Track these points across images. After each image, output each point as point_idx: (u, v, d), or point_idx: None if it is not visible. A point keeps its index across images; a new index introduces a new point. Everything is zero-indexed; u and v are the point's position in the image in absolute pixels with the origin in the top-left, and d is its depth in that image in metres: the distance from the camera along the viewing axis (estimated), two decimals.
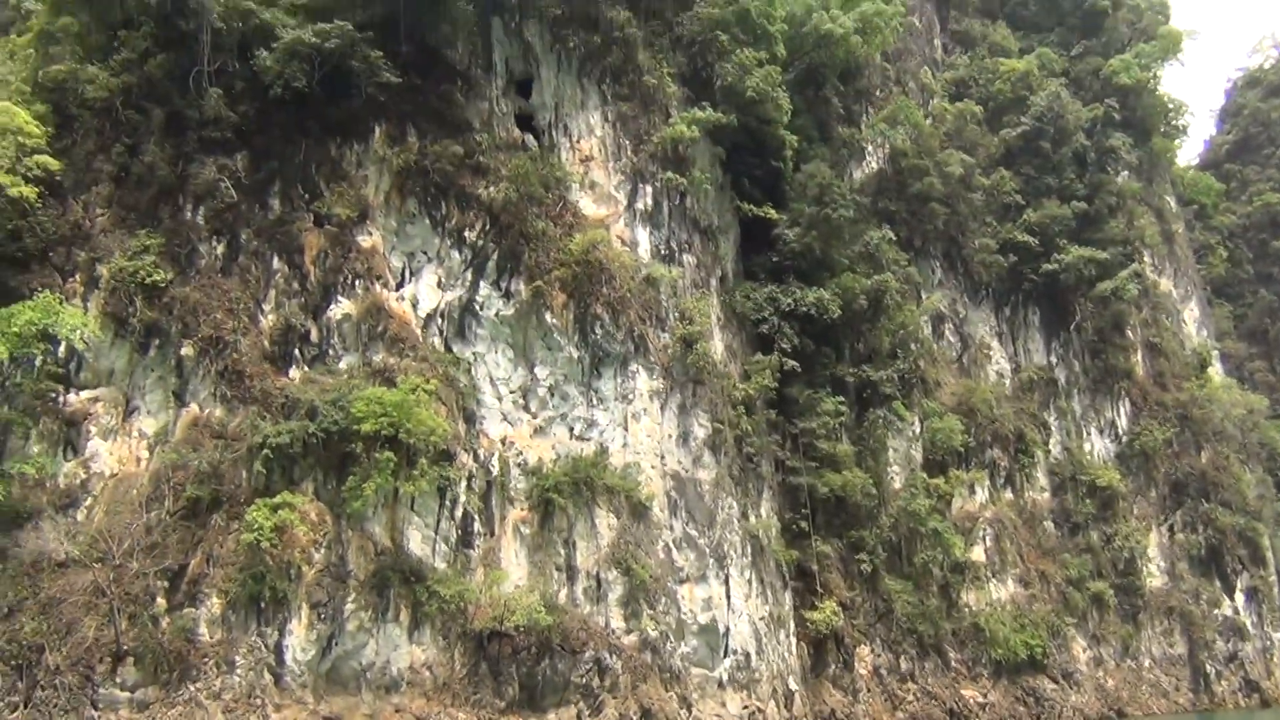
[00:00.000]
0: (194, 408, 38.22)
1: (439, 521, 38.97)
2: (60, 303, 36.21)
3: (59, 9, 41.29)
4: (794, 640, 47.98)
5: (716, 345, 48.96)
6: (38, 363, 37.20)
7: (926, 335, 64.03)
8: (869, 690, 50.20)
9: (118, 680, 33.64)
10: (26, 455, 36.11)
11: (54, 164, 37.88)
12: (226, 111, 40.23)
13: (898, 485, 57.15)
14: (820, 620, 48.64)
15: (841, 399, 53.89)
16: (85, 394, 37.96)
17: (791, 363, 51.35)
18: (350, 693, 35.99)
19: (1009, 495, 63.61)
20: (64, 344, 37.36)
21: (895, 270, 60.38)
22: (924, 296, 64.43)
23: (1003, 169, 72.65)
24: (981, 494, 61.71)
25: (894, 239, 61.19)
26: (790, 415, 52.20)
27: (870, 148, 68.57)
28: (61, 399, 37.60)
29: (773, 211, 54.41)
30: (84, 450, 37.15)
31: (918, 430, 59.90)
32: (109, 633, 33.86)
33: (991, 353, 68.66)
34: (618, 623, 40.35)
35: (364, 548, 37.08)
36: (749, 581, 45.52)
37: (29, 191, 36.54)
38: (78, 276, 38.53)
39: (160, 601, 34.83)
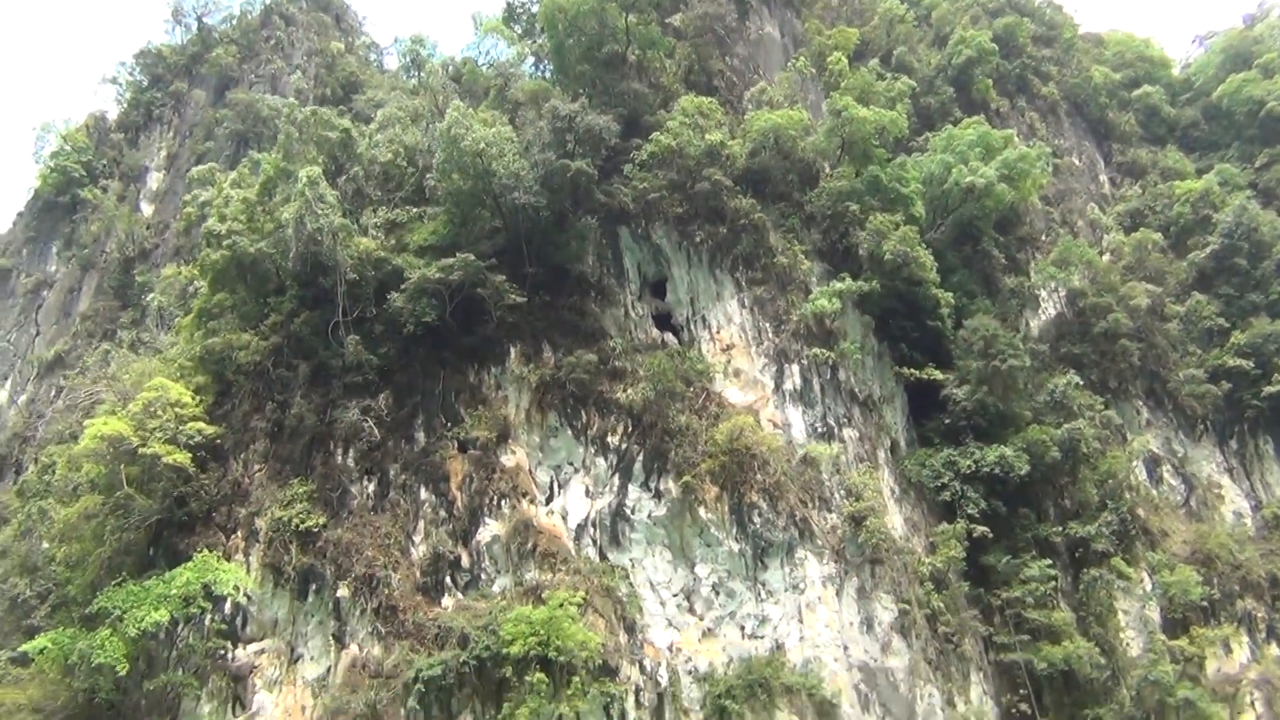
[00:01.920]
0: (353, 648, 38.13)
1: None
2: (220, 560, 37.36)
3: (217, 287, 44.63)
4: None
5: (894, 520, 45.77)
6: (207, 622, 38.16)
7: (1141, 481, 58.28)
8: None
9: None
10: (198, 717, 36.54)
11: (209, 429, 40.03)
12: (366, 355, 41.88)
13: (1134, 652, 50.70)
14: None
15: (1049, 562, 48.97)
16: (252, 647, 38.59)
17: (981, 529, 47.31)
18: None
19: (1275, 650, 55.42)
20: (229, 601, 38.29)
21: (1089, 416, 55.80)
22: (1130, 439, 59.04)
23: (1197, 293, 67.35)
24: (1241, 652, 54.00)
25: (1081, 383, 56.85)
26: (990, 586, 47.68)
27: (1044, 293, 65.14)
28: (230, 655, 38.33)
29: (937, 372, 51.67)
30: (251, 704, 37.42)
31: (1149, 587, 53.59)
32: None
33: (1223, 491, 61.63)
34: None
35: None
36: None
37: (183, 458, 38.53)
38: (239, 532, 39.94)
39: None
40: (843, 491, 43.98)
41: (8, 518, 51.70)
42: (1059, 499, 53.37)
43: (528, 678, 34.74)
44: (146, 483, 39.44)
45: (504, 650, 35.08)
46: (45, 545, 45.94)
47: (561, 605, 36.12)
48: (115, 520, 39.16)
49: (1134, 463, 57.91)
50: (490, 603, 37.97)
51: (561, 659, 35.09)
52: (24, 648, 39.11)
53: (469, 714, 35.91)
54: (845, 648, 40.62)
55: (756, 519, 41.47)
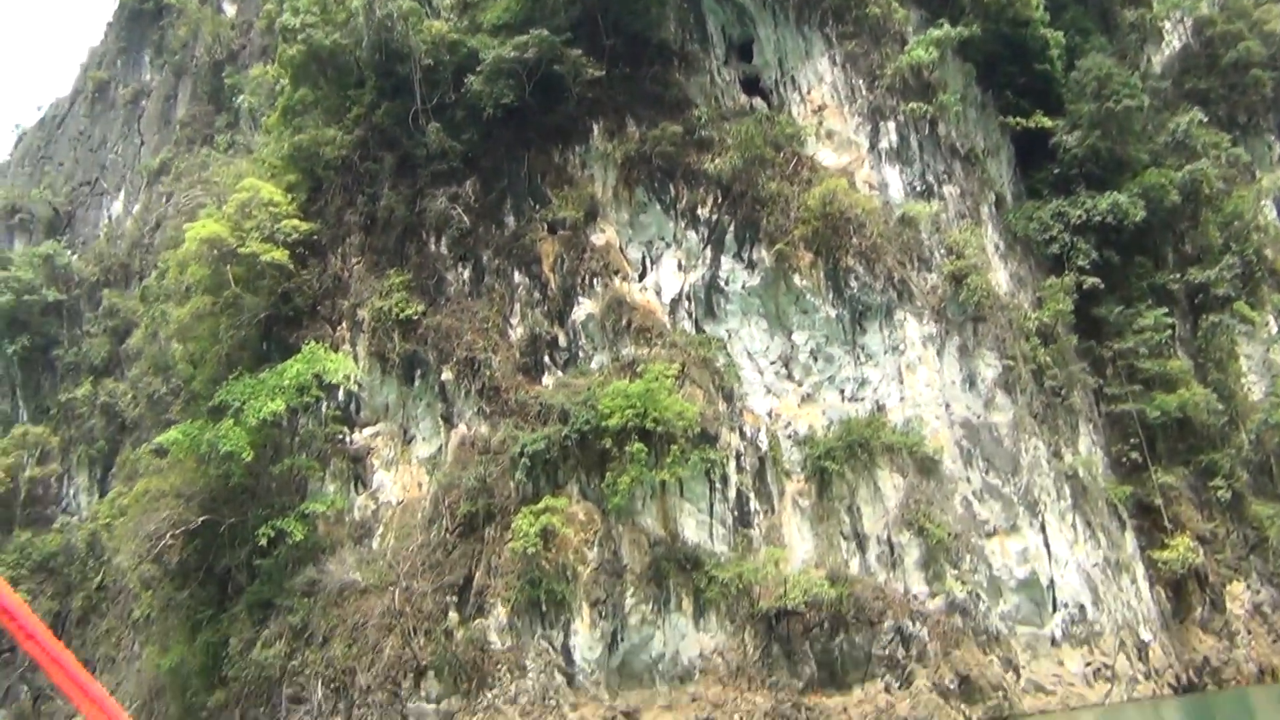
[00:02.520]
0: (461, 428, 39.61)
1: (712, 505, 37.84)
2: (327, 350, 38.78)
3: (298, 83, 44.52)
4: (1144, 585, 42.49)
5: (998, 277, 44.57)
6: (323, 409, 40.02)
7: (1271, 220, 55.29)
8: (1248, 632, 43.48)
9: (422, 693, 35.24)
10: (323, 495, 38.89)
11: (303, 225, 40.78)
12: (449, 142, 41.56)
13: (1255, 397, 49.44)
14: (1173, 559, 42.70)
15: (1165, 310, 47.45)
16: (367, 431, 40.46)
17: (1092, 280, 45.87)
18: (644, 686, 35.59)
19: None
20: (341, 389, 39.97)
21: (1214, 155, 52.60)
22: (1259, 177, 55.65)
23: None
24: None
25: (1206, 120, 53.35)
26: (1101, 338, 46.60)
27: (1168, 25, 60.53)
28: (347, 438, 40.28)
29: (1046, 120, 49.06)
30: (371, 483, 39.55)
31: (1274, 330, 51.64)
32: (409, 650, 35.56)
33: None
34: (918, 587, 37.35)
35: (637, 541, 36.64)
36: (1072, 526, 40.84)
37: (280, 255, 39.51)
38: (343, 324, 41.23)
39: (452, 615, 36.17)
40: (943, 250, 42.83)
41: (137, 322, 54.41)
42: (1178, 245, 51.27)
43: (627, 448, 35.63)
44: (251, 281, 40.76)
45: (603, 424, 35.91)
46: (174, 345, 48.33)
47: (657, 378, 36.57)
48: (226, 318, 40.84)
49: (1263, 202, 54.85)
50: (588, 379, 38.68)
51: (659, 429, 35.80)
52: (158, 440, 42.00)
53: (574, 483, 37.20)
54: (947, 405, 40.48)
55: (853, 283, 40.84)
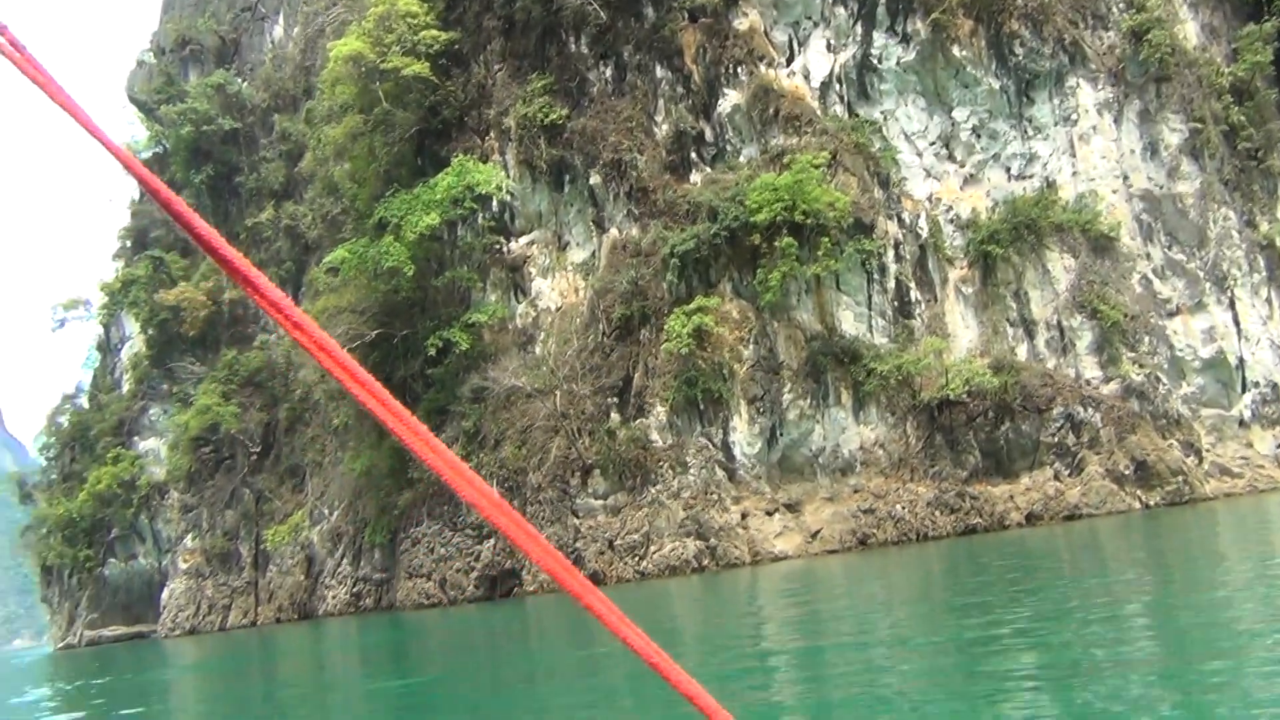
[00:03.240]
0: (613, 231, 39.57)
1: (870, 297, 36.94)
2: (476, 162, 39.00)
3: None
4: None
5: (1186, 30, 40.35)
6: (479, 221, 40.63)
7: None
8: None
9: (589, 490, 36.66)
10: (485, 305, 39.94)
11: (442, 35, 40.38)
12: None
13: None
14: None
15: None
16: (523, 240, 40.95)
17: None
18: (805, 478, 35.94)
19: None
20: (494, 200, 40.35)
21: None
22: None
23: None
24: None
25: None
26: None
27: None
28: (504, 248, 40.88)
29: None
30: (530, 291, 40.27)
31: None
32: (574, 450, 36.85)
33: None
34: (1091, 372, 35.85)
35: (792, 337, 36.28)
36: (1266, 301, 38.00)
37: (422, 68, 39.43)
38: (491, 133, 41.26)
39: (613, 416, 37.10)
40: (1121, 4, 38.91)
41: (306, 145, 55.99)
42: None
43: (777, 243, 34.89)
44: (399, 96, 40.99)
45: (751, 219, 35.13)
46: (333, 167, 49.58)
47: (805, 169, 35.26)
48: (379, 136, 41.45)
49: None
50: (737, 174, 37.68)
51: (809, 222, 34.79)
52: (327, 260, 43.79)
53: (727, 281, 36.86)
54: (1125, 177, 37.70)
55: (1018, 49, 37.84)
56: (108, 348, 75.42)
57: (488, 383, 38.30)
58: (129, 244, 74.81)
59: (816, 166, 35.48)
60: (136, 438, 67.74)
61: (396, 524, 42.03)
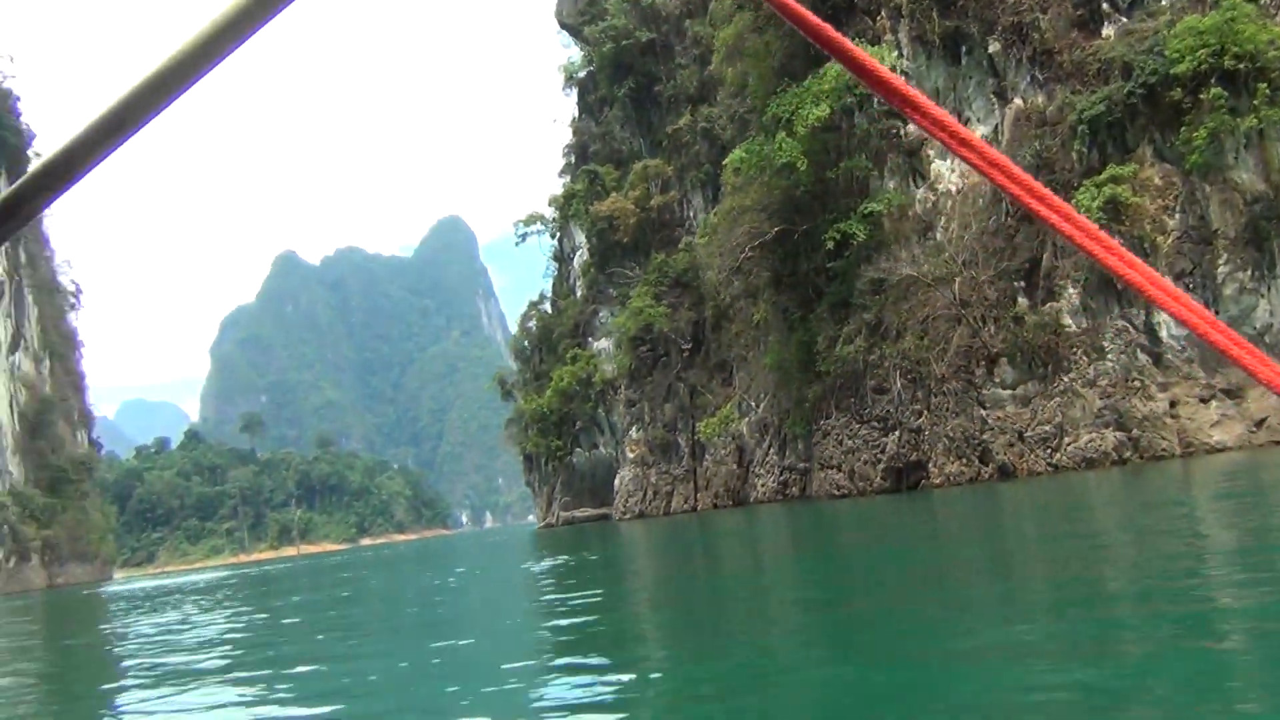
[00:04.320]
0: (1016, 102, 36.78)
1: None
2: (864, 45, 37.70)
3: None
4: None
5: None
6: (875, 107, 39.51)
7: None
8: None
9: (996, 380, 35.05)
10: (882, 194, 38.99)
11: None
12: None
13: None
14: None
15: None
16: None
17: None
18: None
19: None
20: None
21: None
22: None
23: None
24: None
25: None
26: None
27: None
28: (901, 132, 39.45)
29: None
30: (929, 175, 38.66)
31: None
32: (979, 339, 35.32)
33: None
34: None
35: (1228, 200, 31.96)
36: None
37: None
38: (881, 13, 39.67)
39: (1020, 301, 35.03)
40: None
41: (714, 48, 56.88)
42: None
43: (1203, 96, 30.70)
44: None
45: (1171, 72, 31.17)
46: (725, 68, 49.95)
47: (1236, 5, 30.53)
48: (772, 30, 41.18)
49: None
50: (1158, 20, 33.43)
51: (1243, 67, 30.21)
52: (726, 162, 44.62)
53: (1146, 145, 33.11)
54: None
55: None
56: (562, 257, 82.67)
57: (887, 273, 37.56)
58: (572, 160, 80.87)
59: (1251, 0, 30.61)
60: (590, 338, 74.02)
61: (810, 416, 42.77)
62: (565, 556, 26.00)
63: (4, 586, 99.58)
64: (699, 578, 15.91)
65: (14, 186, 0.94)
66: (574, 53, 79.82)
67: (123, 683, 10.01)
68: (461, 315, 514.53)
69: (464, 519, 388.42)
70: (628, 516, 63.42)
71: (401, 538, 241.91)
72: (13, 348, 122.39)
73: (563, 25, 78.94)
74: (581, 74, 79.26)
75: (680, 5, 66.54)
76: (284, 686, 7.96)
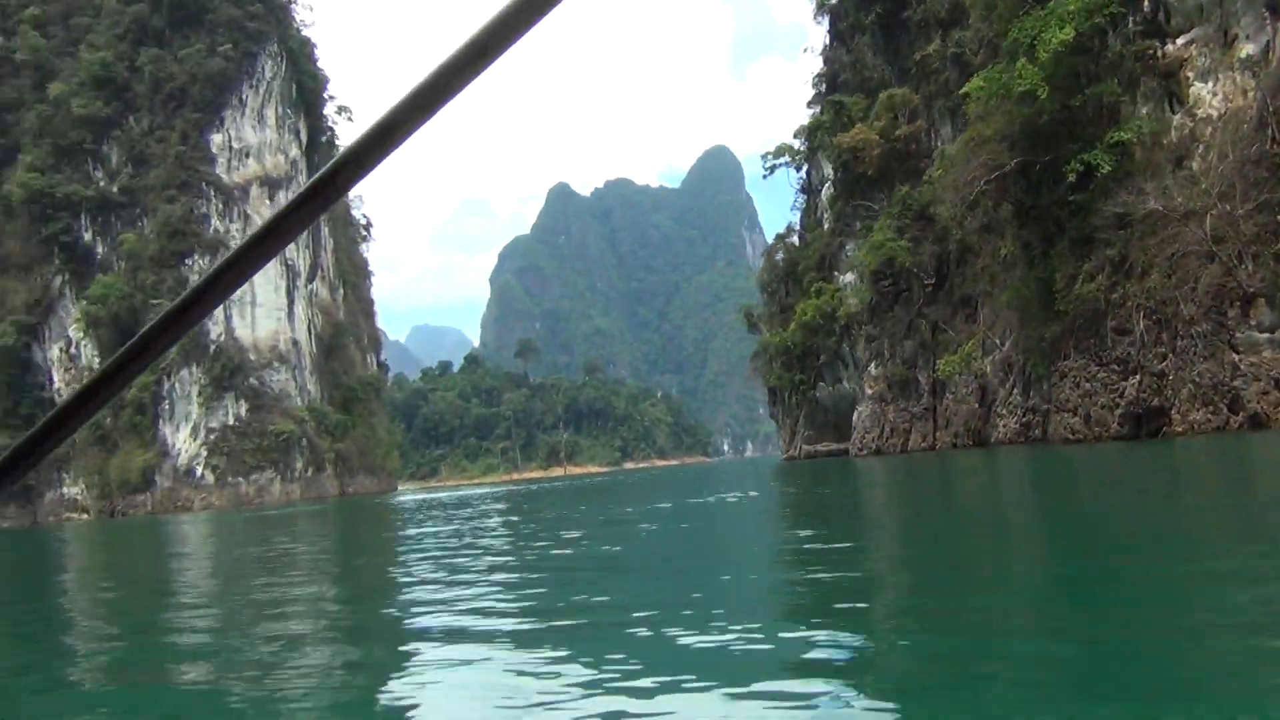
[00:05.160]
0: None
1: None
2: None
3: None
4: None
5: None
6: (1129, 26, 36.83)
7: None
8: None
9: (1252, 322, 32.32)
10: (1133, 121, 36.38)
11: None
12: None
13: None
14: None
15: None
16: (1180, 41, 36.22)
17: None
18: None
19: None
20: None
21: None
22: None
23: None
24: None
25: None
26: None
27: None
28: (1159, 53, 36.58)
29: None
30: (1188, 99, 35.70)
31: None
32: (1233, 278, 32.61)
33: None
34: None
35: None
36: None
37: None
38: None
39: None
40: None
41: None
42: None
43: None
44: None
45: None
46: None
47: None
48: None
49: None
50: None
51: None
52: (961, 91, 42.60)
53: None
54: None
55: None
56: (809, 189, 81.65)
57: (1133, 207, 35.15)
58: (822, 89, 79.36)
59: None
60: (835, 271, 73.06)
61: (1050, 356, 40.91)
62: (789, 488, 26.40)
63: (303, 493, 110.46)
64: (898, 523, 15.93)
65: (328, 166, 0.96)
66: None
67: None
68: (726, 245, 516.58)
69: (725, 447, 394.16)
70: (865, 453, 62.79)
71: (662, 463, 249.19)
72: (310, 276, 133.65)
73: None
74: (833, 0, 77.42)
75: None
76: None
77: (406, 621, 7.52)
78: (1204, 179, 34.28)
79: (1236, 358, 32.51)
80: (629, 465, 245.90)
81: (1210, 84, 35.22)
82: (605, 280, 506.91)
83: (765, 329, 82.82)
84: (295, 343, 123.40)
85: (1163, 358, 34.38)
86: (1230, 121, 34.26)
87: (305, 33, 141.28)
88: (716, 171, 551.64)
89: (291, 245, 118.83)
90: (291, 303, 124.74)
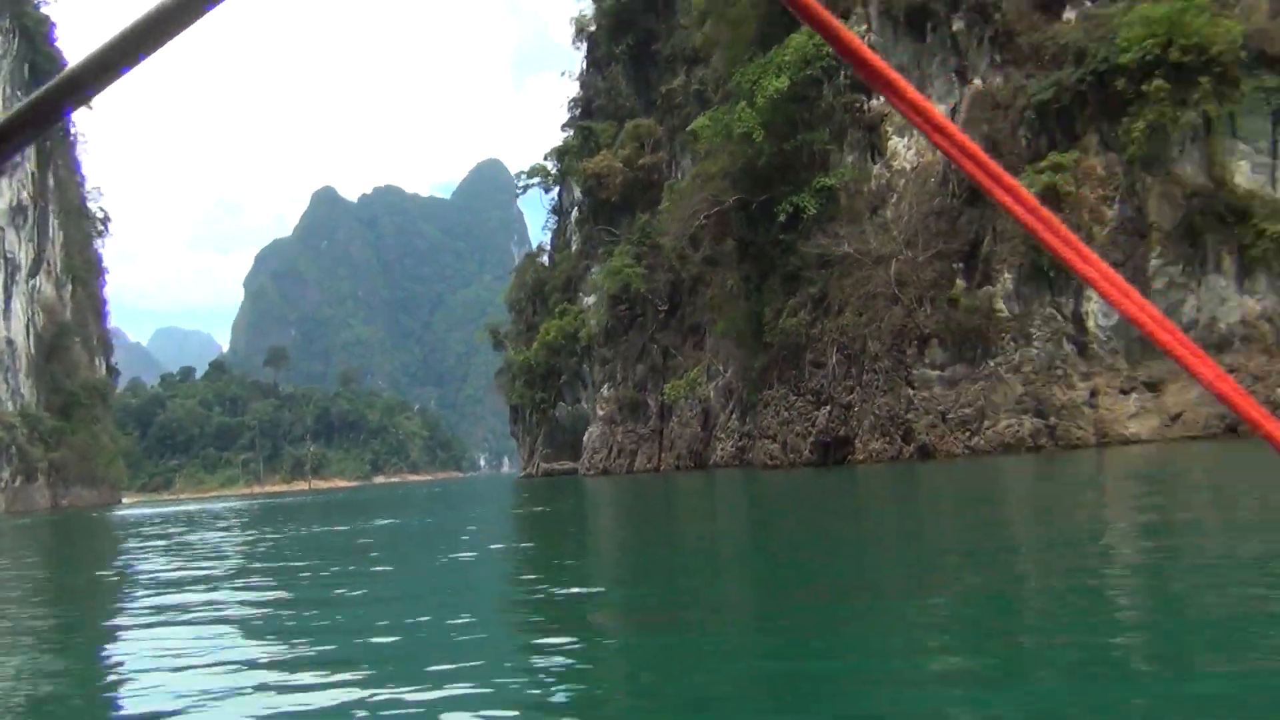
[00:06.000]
0: (976, 82, 36.57)
1: (1276, 143, 31.31)
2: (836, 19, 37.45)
3: None
4: None
5: None
6: (840, 80, 39.31)
7: None
8: None
9: (926, 360, 35.14)
10: (839, 169, 38.92)
11: None
12: None
13: None
14: None
15: None
16: (883, 97, 38.96)
17: None
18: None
19: None
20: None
21: None
22: None
23: None
24: None
25: None
26: None
27: None
28: (864, 107, 39.27)
29: None
30: (886, 151, 38.51)
31: None
32: (914, 318, 35.36)
33: None
34: None
35: (1167, 194, 31.82)
36: None
37: None
38: None
39: (958, 283, 35.02)
40: None
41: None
42: None
43: (1144, 87, 30.46)
44: None
45: (1119, 60, 30.90)
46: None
47: None
48: None
49: None
50: (1116, 7, 33.06)
51: (1189, 60, 29.88)
52: (690, 128, 44.53)
53: (1092, 134, 32.91)
54: None
55: None
56: (561, 210, 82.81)
57: (832, 248, 37.57)
58: (576, 114, 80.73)
59: None
60: (580, 293, 74.32)
61: (758, 385, 43.04)
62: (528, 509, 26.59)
63: (8, 506, 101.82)
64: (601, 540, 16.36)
65: (36, 94, 0.88)
66: (586, 3, 79.46)
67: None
68: (495, 260, 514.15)
69: (481, 462, 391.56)
70: (593, 472, 64.03)
71: (415, 478, 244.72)
72: (33, 271, 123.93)
73: None
74: (592, 27, 78.93)
75: None
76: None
77: None
78: (895, 226, 37.07)
79: (911, 393, 35.25)
80: (379, 480, 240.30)
81: (905, 139, 38.15)
82: (368, 288, 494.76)
83: (511, 347, 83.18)
84: (10, 342, 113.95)
85: (850, 390, 36.83)
86: (920, 175, 37.23)
87: (44, 9, 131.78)
88: (488, 184, 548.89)
89: (11, 236, 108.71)
90: (9, 298, 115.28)
